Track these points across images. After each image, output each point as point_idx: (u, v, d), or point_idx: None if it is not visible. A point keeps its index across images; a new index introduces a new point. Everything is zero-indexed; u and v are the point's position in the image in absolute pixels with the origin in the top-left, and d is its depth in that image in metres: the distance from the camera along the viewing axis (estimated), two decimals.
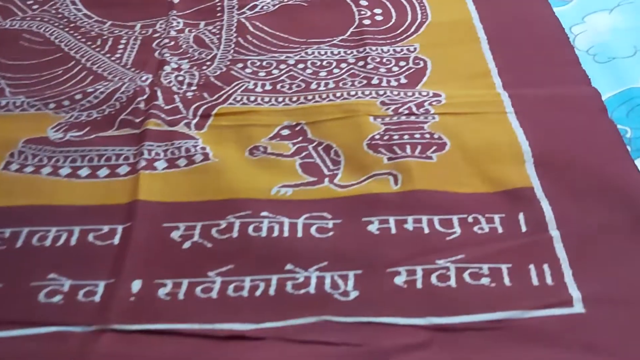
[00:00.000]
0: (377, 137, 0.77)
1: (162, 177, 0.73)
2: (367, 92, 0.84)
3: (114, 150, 0.77)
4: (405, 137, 0.77)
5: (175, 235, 0.66)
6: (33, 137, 0.79)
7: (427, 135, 0.77)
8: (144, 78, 0.87)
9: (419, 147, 0.75)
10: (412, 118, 0.79)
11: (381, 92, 0.84)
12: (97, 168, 0.75)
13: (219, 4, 1.01)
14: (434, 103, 0.81)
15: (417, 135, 0.77)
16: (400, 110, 0.80)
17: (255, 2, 1.01)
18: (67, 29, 0.98)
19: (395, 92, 0.84)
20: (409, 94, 0.83)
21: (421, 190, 0.70)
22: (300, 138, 0.79)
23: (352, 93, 0.84)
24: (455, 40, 0.93)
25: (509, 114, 0.79)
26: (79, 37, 0.96)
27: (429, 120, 0.79)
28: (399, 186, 0.71)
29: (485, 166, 0.73)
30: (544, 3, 0.98)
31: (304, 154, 0.76)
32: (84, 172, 0.75)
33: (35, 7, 1.02)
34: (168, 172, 0.74)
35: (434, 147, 0.75)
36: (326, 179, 0.73)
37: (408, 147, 0.75)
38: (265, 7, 1.00)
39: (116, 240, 0.66)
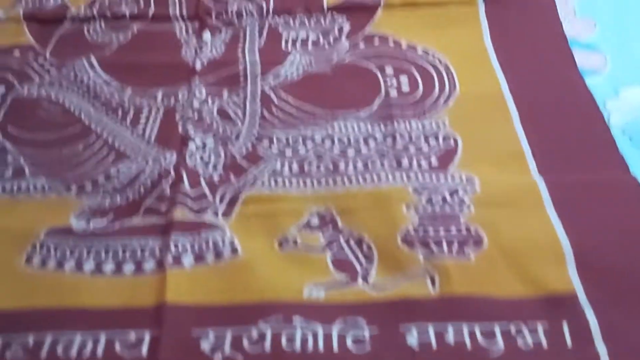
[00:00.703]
0: (412, 230, 0.74)
1: (189, 275, 0.71)
2: (397, 177, 0.81)
3: (139, 242, 0.75)
4: (441, 231, 0.74)
5: (205, 346, 0.64)
6: (55, 228, 0.76)
7: (463, 229, 0.74)
8: (168, 157, 0.85)
9: (456, 244, 0.73)
10: (447, 208, 0.77)
11: (412, 176, 0.81)
12: (122, 263, 0.73)
13: (241, 70, 0.99)
14: (468, 190, 0.79)
15: (453, 230, 0.74)
16: (434, 199, 0.78)
17: (279, 70, 0.99)
18: (86, 97, 0.95)
19: (427, 176, 0.81)
20: (442, 178, 0.81)
21: (460, 295, 0.67)
22: (331, 228, 0.76)
23: (383, 177, 0.81)
24: (486, 115, 0.90)
25: (547, 206, 0.76)
26: (99, 106, 0.94)
27: (464, 211, 0.76)
28: (436, 290, 0.68)
29: (525, 267, 0.70)
30: (576, 72, 0.95)
31: (335, 248, 0.74)
32: (108, 267, 0.72)
33: (53, 71, 1.00)
34: (196, 268, 0.72)
35: (471, 244, 0.73)
36: (359, 278, 0.71)
37: (444, 243, 0.73)
38: (289, 76, 0.98)
39: (144, 350, 0.64)
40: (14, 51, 1.03)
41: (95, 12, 1.08)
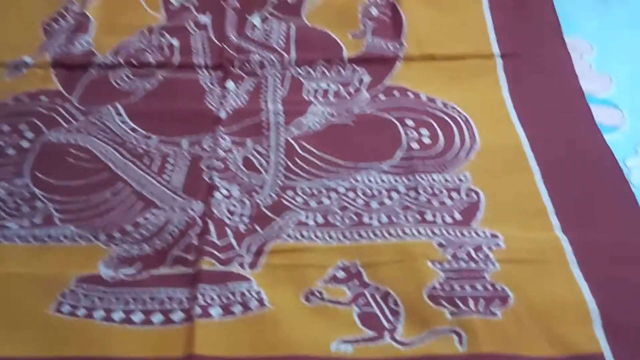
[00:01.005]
0: (438, 286, 0.75)
1: (217, 327, 0.72)
2: (422, 231, 0.82)
3: (167, 292, 0.75)
4: (467, 288, 0.75)
5: None
6: (85, 275, 0.77)
7: (490, 287, 0.75)
8: (194, 207, 0.86)
9: (482, 302, 0.73)
10: (472, 265, 0.78)
11: (437, 231, 0.82)
12: (150, 313, 0.73)
13: (265, 120, 1.01)
14: (493, 247, 0.80)
15: (479, 287, 0.75)
16: (459, 255, 0.79)
17: (302, 121, 1.01)
18: (113, 144, 0.97)
19: (452, 232, 0.82)
20: (466, 233, 0.82)
21: (488, 354, 0.68)
22: (357, 282, 0.77)
23: (407, 231, 0.82)
24: (507, 170, 0.92)
25: (572, 264, 0.77)
26: (126, 154, 0.95)
27: (490, 269, 0.77)
28: (464, 348, 0.69)
29: (552, 326, 0.71)
30: (594, 129, 0.97)
31: (361, 302, 0.75)
32: (137, 317, 0.73)
33: (80, 117, 1.02)
34: (223, 320, 0.72)
35: (498, 301, 0.73)
36: (386, 334, 0.71)
37: (471, 300, 0.73)
38: (312, 127, 1.00)
39: None
40: (41, 96, 1.05)
41: (121, 59, 1.11)
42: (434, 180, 0.90)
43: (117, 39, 1.15)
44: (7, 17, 1.19)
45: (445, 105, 1.03)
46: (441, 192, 0.89)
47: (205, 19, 1.19)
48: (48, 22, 1.18)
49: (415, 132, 0.98)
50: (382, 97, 1.05)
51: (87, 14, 1.19)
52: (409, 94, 1.05)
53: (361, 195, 0.89)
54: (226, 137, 0.98)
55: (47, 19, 1.19)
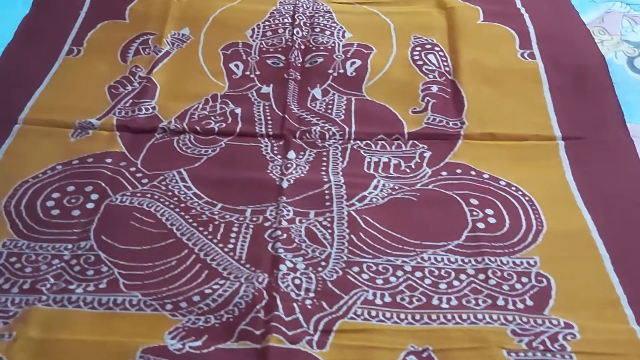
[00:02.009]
0: None
1: None
2: (495, 317, 0.80)
3: None
4: None
5: None
6: (151, 346, 0.76)
7: None
8: (260, 279, 0.85)
9: None
10: (549, 355, 0.75)
11: (510, 318, 0.80)
12: None
13: (327, 192, 1.01)
14: (568, 338, 0.77)
15: None
16: (535, 344, 0.76)
17: (364, 194, 1.00)
18: (177, 210, 0.97)
19: (525, 319, 0.80)
20: (539, 321, 0.80)
21: None
22: None
23: (480, 317, 0.81)
24: (576, 256, 0.90)
25: None
26: (190, 220, 0.96)
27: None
28: None
29: None
30: None
31: None
32: None
33: (144, 181, 1.03)
34: None
35: None
36: None
37: None
38: (374, 200, 1.00)
39: None
40: (107, 159, 1.06)
41: (185, 125, 1.13)
42: (502, 263, 0.89)
43: (181, 105, 1.18)
44: (75, 81, 1.22)
45: (508, 185, 1.02)
46: (511, 276, 0.87)
47: (267, 89, 1.21)
48: (114, 86, 1.21)
49: (480, 212, 0.97)
50: (444, 173, 1.05)
51: (153, 79, 1.22)
52: (472, 172, 1.05)
53: (429, 275, 0.87)
54: (289, 207, 0.98)
55: (113, 82, 1.22)
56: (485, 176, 1.04)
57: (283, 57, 1.27)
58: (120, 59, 1.28)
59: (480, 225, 0.95)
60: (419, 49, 1.29)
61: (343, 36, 1.32)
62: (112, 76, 1.23)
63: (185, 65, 1.27)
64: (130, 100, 1.18)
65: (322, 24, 1.35)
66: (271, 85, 1.22)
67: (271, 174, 1.04)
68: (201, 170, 1.05)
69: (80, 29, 1.35)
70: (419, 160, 1.08)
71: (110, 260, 0.89)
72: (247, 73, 1.25)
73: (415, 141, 1.11)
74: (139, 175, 1.04)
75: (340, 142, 1.11)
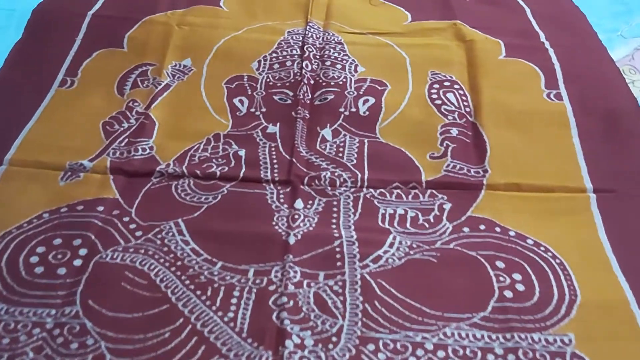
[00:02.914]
0: None
1: None
2: None
3: None
4: None
5: None
6: None
7: None
8: (264, 358, 0.76)
9: None
10: None
11: None
12: None
13: (338, 250, 0.92)
14: None
15: None
16: None
17: (379, 253, 0.92)
18: (173, 269, 0.89)
19: None
20: None
21: None
22: None
23: None
24: (615, 334, 0.82)
25: None
26: (187, 282, 0.87)
27: None
28: None
29: None
30: None
31: None
32: None
33: (138, 233, 0.94)
34: None
35: None
36: None
37: None
38: (390, 261, 0.91)
39: None
40: (98, 206, 0.98)
41: (184, 169, 1.04)
42: (534, 341, 0.80)
43: (181, 144, 1.09)
44: (68, 116, 1.14)
45: (537, 245, 0.93)
46: (544, 357, 0.78)
47: (274, 129, 1.12)
48: (110, 122, 1.12)
49: (507, 277, 0.88)
50: (466, 229, 0.96)
51: (151, 115, 1.14)
52: (496, 227, 0.96)
53: (452, 356, 0.78)
54: (296, 267, 0.89)
55: (108, 118, 1.13)
56: (511, 233, 0.95)
57: (291, 93, 1.19)
58: (116, 91, 1.19)
59: (508, 293, 0.86)
60: (436, 86, 1.21)
61: (355, 70, 1.24)
62: (107, 111, 1.15)
63: (186, 100, 1.18)
64: (126, 139, 1.09)
65: (333, 57, 1.26)
66: (278, 124, 1.13)
67: (277, 227, 0.95)
68: (201, 221, 0.97)
69: (75, 57, 1.26)
70: (438, 213, 0.99)
71: (97, 330, 0.80)
72: (253, 110, 1.16)
73: (433, 191, 1.02)
74: (132, 226, 0.95)
75: (352, 190, 1.02)
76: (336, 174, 1.04)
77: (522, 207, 1.00)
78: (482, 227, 0.96)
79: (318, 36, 1.32)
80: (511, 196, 1.02)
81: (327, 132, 1.12)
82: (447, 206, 1.00)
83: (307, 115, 1.15)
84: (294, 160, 1.06)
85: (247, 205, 1.00)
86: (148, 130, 1.11)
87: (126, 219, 0.96)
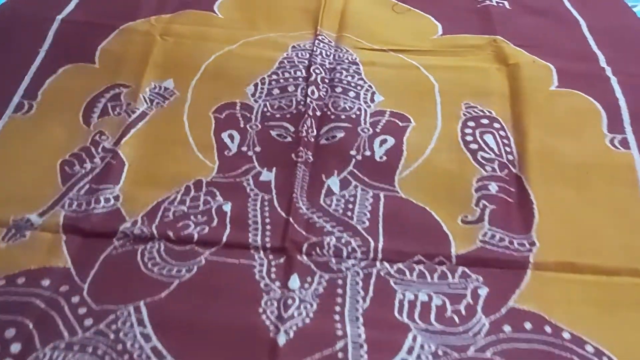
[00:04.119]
0: None
1: None
2: None
3: None
4: None
5: None
6: None
7: None
8: None
9: None
10: None
11: None
12: None
13: (341, 356, 0.72)
14: None
15: None
16: None
17: None
18: None
19: None
20: None
21: None
22: None
23: None
24: None
25: None
26: None
27: None
28: None
29: None
30: None
31: None
32: None
33: (88, 322, 0.74)
34: None
35: None
36: None
37: None
38: None
39: None
40: (43, 280, 0.78)
41: (154, 230, 0.83)
42: None
43: (153, 194, 0.88)
44: (20, 152, 0.94)
45: (598, 354, 0.72)
46: None
47: (268, 175, 0.91)
48: (70, 162, 0.92)
49: None
50: (507, 328, 0.75)
51: (120, 154, 0.93)
52: (546, 327, 0.75)
53: None
54: None
55: (69, 156, 0.93)
56: (566, 335, 0.74)
57: (292, 128, 0.97)
58: (82, 120, 0.98)
59: None
60: (472, 124, 0.98)
61: (372, 100, 1.01)
62: (69, 145, 0.94)
63: (165, 134, 0.97)
64: (87, 185, 0.89)
65: (345, 82, 1.04)
66: (274, 169, 0.92)
67: (264, 316, 0.75)
68: (169, 306, 0.76)
69: (37, 74, 1.05)
70: (471, 302, 0.77)
71: None
72: (244, 149, 0.95)
73: (466, 269, 0.81)
74: (82, 311, 0.75)
75: (363, 263, 0.81)
76: (343, 241, 0.83)
77: (579, 295, 0.78)
78: (528, 325, 0.75)
79: (328, 53, 1.09)
80: (565, 280, 0.80)
81: (334, 182, 0.91)
82: (483, 292, 0.78)
83: (311, 158, 0.93)
84: (290, 220, 0.85)
85: (229, 282, 0.79)
86: (115, 173, 0.90)
87: (75, 299, 0.76)
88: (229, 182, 0.90)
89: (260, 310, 0.76)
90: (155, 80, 1.04)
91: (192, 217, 0.85)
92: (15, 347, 0.71)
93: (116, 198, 0.88)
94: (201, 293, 0.78)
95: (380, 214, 0.87)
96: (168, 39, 1.11)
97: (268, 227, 0.85)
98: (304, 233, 0.84)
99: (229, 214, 0.86)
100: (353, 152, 0.94)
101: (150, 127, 0.98)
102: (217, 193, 0.89)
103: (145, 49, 1.09)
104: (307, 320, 0.75)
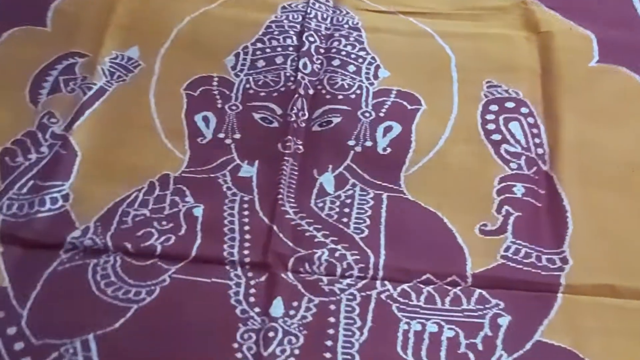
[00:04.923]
0: None
1: None
2: None
3: None
4: None
5: None
6: None
7: None
8: None
9: None
10: None
11: None
12: None
13: None
14: None
15: None
16: None
17: None
18: None
19: None
20: None
21: None
22: None
23: None
24: None
25: None
26: None
27: None
28: None
29: None
30: None
31: None
32: None
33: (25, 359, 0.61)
34: None
35: None
36: None
37: None
38: None
39: None
40: None
41: (109, 239, 0.69)
42: None
43: (110, 192, 0.74)
44: None
45: None
46: None
47: (250, 170, 0.76)
48: (11, 151, 0.77)
49: None
50: None
51: (72, 141, 0.78)
52: None
53: None
54: None
55: (10, 144, 0.77)
56: None
57: (279, 111, 0.81)
58: (28, 97, 0.83)
59: None
60: (494, 107, 0.82)
61: (375, 76, 0.85)
62: (11, 130, 0.80)
63: (126, 116, 0.82)
64: (31, 182, 0.74)
65: (343, 52, 0.87)
66: (256, 162, 0.77)
67: (239, 355, 0.62)
68: (124, 340, 0.63)
69: None
70: (490, 333, 0.64)
71: None
72: (222, 135, 0.80)
73: (483, 292, 0.67)
74: (18, 346, 0.62)
75: (361, 284, 0.67)
76: (337, 255, 0.69)
77: (619, 325, 0.66)
78: None
79: (325, 16, 0.92)
80: (603, 306, 0.67)
81: (327, 180, 0.76)
82: (504, 321, 0.65)
83: (300, 148, 0.78)
84: (274, 227, 0.71)
85: (198, 308, 0.66)
86: (65, 166, 0.76)
87: (12, 330, 0.63)
88: (201, 179, 0.76)
89: (236, 345, 0.62)
90: (117, 49, 0.87)
91: (155, 224, 0.71)
92: None
93: (65, 198, 0.73)
94: (164, 322, 0.64)
95: (382, 220, 0.72)
96: None
97: (247, 236, 0.70)
98: (290, 244, 0.70)
99: (200, 219, 0.72)
100: (351, 142, 0.78)
101: (109, 107, 0.82)
102: (187, 192, 0.74)
103: (107, 8, 0.92)
104: (292, 359, 0.62)
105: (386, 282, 0.67)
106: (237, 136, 0.79)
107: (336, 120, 0.80)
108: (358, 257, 0.69)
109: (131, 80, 0.84)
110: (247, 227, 0.71)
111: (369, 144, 0.78)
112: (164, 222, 0.71)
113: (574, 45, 0.88)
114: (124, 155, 0.78)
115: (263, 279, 0.67)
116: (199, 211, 0.72)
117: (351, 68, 0.85)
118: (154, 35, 0.88)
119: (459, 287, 0.67)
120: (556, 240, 0.70)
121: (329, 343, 0.63)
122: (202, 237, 0.70)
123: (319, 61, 0.86)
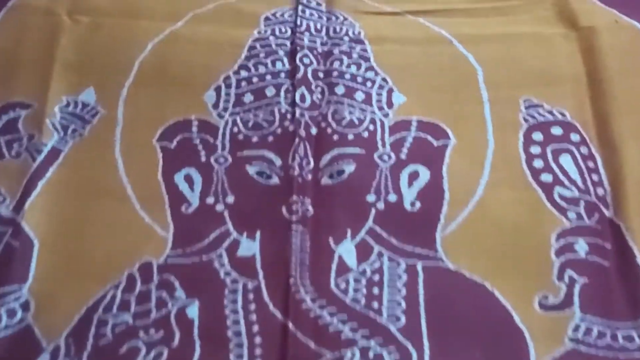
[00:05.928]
0: None
1: None
2: None
3: None
4: None
5: None
6: None
7: None
8: None
9: None
10: None
11: None
12: None
13: None
14: None
15: None
16: None
17: None
18: None
19: None
20: None
21: None
22: None
23: None
24: None
25: None
26: None
27: None
28: None
29: None
30: None
31: None
32: None
33: None
34: None
35: None
36: None
37: None
38: None
39: None
40: None
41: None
42: None
43: (79, 294, 0.59)
44: None
45: None
46: None
47: (251, 247, 0.62)
48: None
49: None
50: None
51: (24, 228, 0.62)
52: None
53: None
54: None
55: None
56: None
57: (278, 161, 0.66)
58: None
59: None
60: (539, 136, 0.67)
61: (389, 104, 0.70)
62: None
63: (88, 183, 0.66)
64: None
65: (348, 75, 0.71)
66: (257, 234, 0.62)
67: None
68: None
69: None
70: None
71: None
72: (211, 200, 0.65)
73: None
74: None
75: None
76: (372, 355, 0.56)
77: None
78: None
79: (319, 26, 0.75)
80: None
81: (347, 250, 0.62)
82: None
83: (310, 209, 0.63)
84: (290, 325, 0.57)
85: None
86: (19, 263, 0.61)
87: None
88: (192, 265, 0.61)
89: None
90: (68, 93, 0.70)
91: (141, 334, 0.57)
92: None
93: (24, 307, 0.58)
94: None
95: (421, 300, 0.59)
96: (81, 20, 0.75)
97: (257, 339, 0.57)
98: (312, 346, 0.56)
99: (196, 322, 0.57)
100: (371, 198, 0.64)
101: (67, 173, 0.66)
102: (176, 284, 0.60)
103: (48, 37, 0.73)
104: None
105: None
106: (230, 200, 0.64)
107: (349, 168, 0.65)
108: (398, 355, 0.56)
109: (90, 134, 0.68)
110: (255, 327, 0.57)
111: (392, 198, 0.63)
112: (151, 331, 0.57)
113: (623, 44, 0.72)
114: (91, 238, 0.62)
115: None
116: (193, 311, 0.58)
117: (359, 96, 0.69)
118: (111, 71, 0.71)
119: None
120: (632, 310, 0.58)
121: None
122: (202, 345, 0.56)
123: (319, 89, 0.70)
